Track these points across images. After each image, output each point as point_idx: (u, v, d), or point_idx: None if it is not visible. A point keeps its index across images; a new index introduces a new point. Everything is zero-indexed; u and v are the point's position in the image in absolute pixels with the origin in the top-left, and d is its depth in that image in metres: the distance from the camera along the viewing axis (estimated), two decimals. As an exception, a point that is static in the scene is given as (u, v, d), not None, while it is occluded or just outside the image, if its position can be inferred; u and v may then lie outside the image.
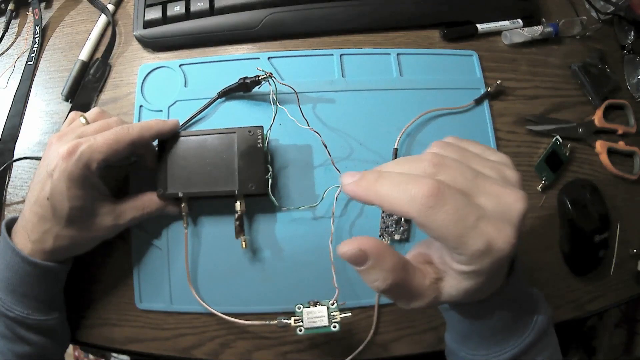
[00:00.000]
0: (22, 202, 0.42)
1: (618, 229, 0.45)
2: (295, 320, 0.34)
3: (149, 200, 0.38)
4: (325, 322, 0.34)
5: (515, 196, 0.23)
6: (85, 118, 0.36)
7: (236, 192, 0.37)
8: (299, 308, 0.34)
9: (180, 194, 0.37)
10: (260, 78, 0.41)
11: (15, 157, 0.43)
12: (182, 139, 0.38)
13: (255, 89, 0.42)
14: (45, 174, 0.32)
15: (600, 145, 0.46)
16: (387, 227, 0.40)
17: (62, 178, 0.31)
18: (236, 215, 0.38)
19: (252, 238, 0.40)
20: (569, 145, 0.45)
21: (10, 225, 0.35)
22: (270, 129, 0.39)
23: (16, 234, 0.34)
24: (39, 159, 0.42)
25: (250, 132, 0.38)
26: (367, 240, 0.22)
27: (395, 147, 0.42)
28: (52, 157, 0.32)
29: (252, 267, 0.40)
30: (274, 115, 0.40)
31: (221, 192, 0.37)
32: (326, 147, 0.40)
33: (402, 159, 0.25)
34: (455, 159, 0.24)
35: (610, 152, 0.46)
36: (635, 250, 0.44)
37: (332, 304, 0.34)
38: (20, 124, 0.44)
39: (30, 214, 0.33)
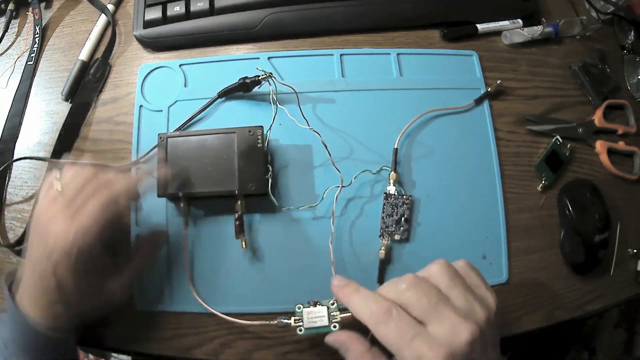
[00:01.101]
0: (22, 202, 0.42)
1: (618, 229, 0.45)
2: (295, 320, 0.34)
3: (145, 252, 0.38)
4: (325, 322, 0.34)
5: (465, 326, 0.27)
6: (59, 183, 0.33)
7: (236, 192, 0.37)
8: (299, 308, 0.34)
9: (180, 194, 0.37)
10: (260, 78, 0.41)
11: (15, 157, 0.43)
12: (182, 139, 0.38)
13: (255, 89, 0.42)
14: (44, 253, 0.31)
15: (600, 145, 0.46)
16: (387, 227, 0.40)
17: (62, 260, 0.30)
18: (236, 215, 0.37)
19: (252, 238, 0.40)
20: (569, 145, 0.45)
21: (9, 281, 0.34)
22: (270, 129, 0.39)
23: (22, 300, 0.32)
24: (39, 159, 0.43)
25: (250, 132, 0.38)
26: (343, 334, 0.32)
27: (395, 147, 0.42)
28: (47, 236, 0.30)
29: (252, 267, 0.40)
30: (274, 115, 0.40)
31: (221, 192, 0.37)
32: (326, 147, 0.40)
33: (391, 281, 0.30)
34: (432, 285, 0.29)
35: (610, 152, 0.46)
36: (635, 250, 0.44)
37: (332, 304, 0.34)
38: (20, 124, 0.44)
39: (34, 286, 0.32)
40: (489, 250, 0.41)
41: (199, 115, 0.42)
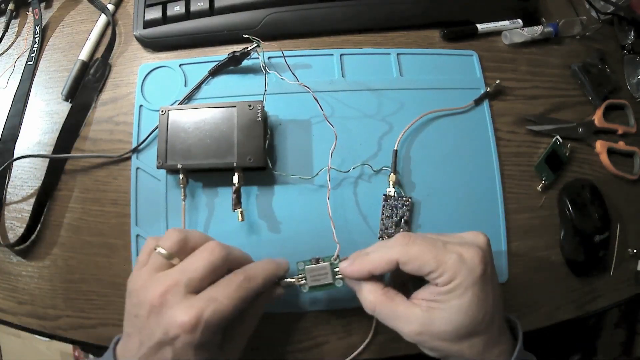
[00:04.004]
0: (22, 201, 0.42)
1: (618, 229, 0.45)
2: (298, 278, 0.34)
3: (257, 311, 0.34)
4: (329, 279, 0.33)
5: (479, 236, 0.31)
6: (165, 251, 0.30)
7: (234, 164, 0.38)
8: (301, 266, 0.34)
9: (179, 166, 0.38)
10: (249, 49, 0.42)
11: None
12: (183, 112, 0.39)
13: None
14: (160, 340, 0.28)
15: (600, 145, 0.46)
16: (386, 229, 0.40)
17: (189, 348, 0.28)
18: (233, 188, 0.38)
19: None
20: (569, 145, 0.45)
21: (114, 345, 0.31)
22: (265, 96, 0.40)
23: None
24: (39, 156, 0.43)
25: (250, 106, 0.39)
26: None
27: (395, 148, 0.42)
28: (165, 321, 0.27)
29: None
30: (265, 81, 0.41)
31: (220, 164, 0.38)
32: (317, 102, 0.39)
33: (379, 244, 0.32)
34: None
35: (610, 152, 0.46)
36: (635, 250, 0.44)
37: (335, 260, 0.34)
38: (20, 124, 0.44)
39: None
40: (489, 250, 0.41)
41: (194, 95, 0.43)
